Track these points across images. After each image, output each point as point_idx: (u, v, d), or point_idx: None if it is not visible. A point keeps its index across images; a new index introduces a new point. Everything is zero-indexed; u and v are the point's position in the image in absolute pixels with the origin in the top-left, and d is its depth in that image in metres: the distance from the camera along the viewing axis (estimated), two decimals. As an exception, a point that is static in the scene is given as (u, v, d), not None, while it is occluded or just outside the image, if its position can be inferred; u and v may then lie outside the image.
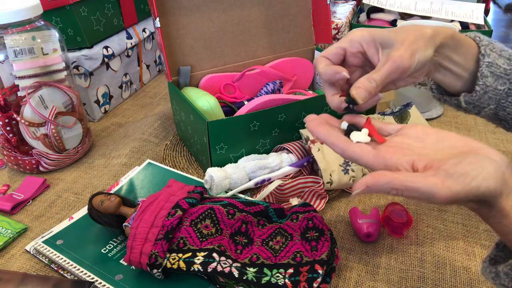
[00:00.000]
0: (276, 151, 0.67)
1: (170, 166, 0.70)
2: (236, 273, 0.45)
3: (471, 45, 0.44)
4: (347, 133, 0.40)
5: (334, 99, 0.43)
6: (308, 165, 0.65)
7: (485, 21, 1.03)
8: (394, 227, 0.56)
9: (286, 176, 0.62)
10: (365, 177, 0.34)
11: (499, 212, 0.34)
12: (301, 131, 0.65)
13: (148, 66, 1.06)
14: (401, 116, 0.69)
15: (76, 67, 0.81)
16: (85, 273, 0.49)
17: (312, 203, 0.60)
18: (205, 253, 0.47)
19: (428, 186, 0.32)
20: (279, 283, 0.44)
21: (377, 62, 0.42)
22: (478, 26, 1.02)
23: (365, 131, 0.40)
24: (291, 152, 0.64)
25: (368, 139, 0.39)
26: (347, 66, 0.44)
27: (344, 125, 0.41)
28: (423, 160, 0.35)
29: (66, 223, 0.58)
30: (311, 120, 0.41)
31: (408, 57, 0.40)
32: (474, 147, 0.35)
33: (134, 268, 0.50)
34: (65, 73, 0.69)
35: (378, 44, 0.42)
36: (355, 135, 0.39)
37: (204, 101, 0.68)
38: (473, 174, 0.32)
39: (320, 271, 0.45)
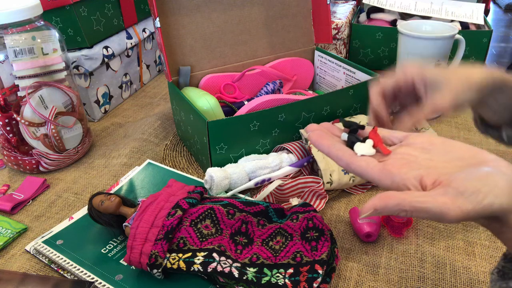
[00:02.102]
0: (276, 151, 0.67)
1: (170, 166, 0.70)
2: (236, 273, 0.45)
3: None
4: (349, 144, 0.38)
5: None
6: (308, 165, 0.65)
7: (485, 21, 1.03)
8: (394, 227, 0.56)
9: (286, 176, 0.62)
10: (373, 199, 0.33)
11: (510, 228, 0.33)
12: (301, 131, 0.65)
13: (148, 66, 1.06)
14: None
15: (76, 67, 0.81)
16: (85, 273, 0.49)
17: (312, 203, 0.60)
18: (205, 253, 0.47)
19: (438, 206, 0.31)
20: (279, 283, 0.44)
21: (423, 97, 0.45)
22: (478, 26, 1.02)
23: (369, 142, 0.38)
24: (291, 152, 0.65)
25: (373, 151, 0.37)
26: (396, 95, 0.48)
27: (344, 136, 0.39)
28: (431, 175, 0.34)
29: (66, 223, 0.58)
30: (312, 130, 0.40)
31: (449, 101, 0.43)
32: (482, 159, 0.34)
33: (134, 268, 0.50)
34: (65, 73, 0.69)
35: (427, 83, 0.45)
36: (359, 148, 0.37)
37: (204, 101, 0.68)
38: (484, 191, 0.31)
39: (320, 271, 0.45)
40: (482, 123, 0.51)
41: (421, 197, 0.32)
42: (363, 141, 0.38)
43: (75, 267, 0.50)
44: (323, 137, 0.39)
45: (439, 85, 0.44)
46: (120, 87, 0.95)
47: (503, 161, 0.33)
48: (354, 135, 0.39)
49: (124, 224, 0.52)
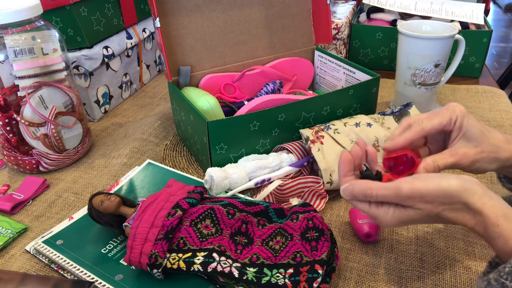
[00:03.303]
0: (276, 151, 0.67)
1: (170, 166, 0.70)
2: (236, 273, 0.45)
3: None
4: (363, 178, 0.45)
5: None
6: (308, 165, 0.65)
7: (485, 21, 1.03)
8: (397, 168, 0.50)
9: (286, 176, 0.62)
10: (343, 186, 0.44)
11: (478, 214, 0.39)
12: (301, 131, 0.65)
13: (148, 66, 1.06)
14: (401, 116, 0.69)
15: (76, 67, 0.81)
16: (85, 273, 0.49)
17: (312, 203, 0.60)
18: (205, 253, 0.47)
19: (394, 183, 0.40)
20: (279, 283, 0.44)
21: (451, 142, 0.47)
22: (478, 26, 1.02)
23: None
24: (291, 152, 0.64)
25: None
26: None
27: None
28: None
29: (66, 223, 0.58)
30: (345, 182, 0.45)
31: (470, 162, 0.45)
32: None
33: (134, 268, 0.50)
34: (65, 73, 0.69)
35: (463, 132, 0.46)
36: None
37: (204, 101, 0.68)
38: (436, 178, 0.40)
39: (320, 271, 0.45)
40: (506, 179, 0.53)
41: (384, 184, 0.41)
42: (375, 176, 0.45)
43: (75, 267, 0.50)
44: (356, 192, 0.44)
45: (471, 139, 0.45)
46: (120, 87, 0.95)
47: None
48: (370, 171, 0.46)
49: (124, 224, 0.52)
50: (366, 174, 0.46)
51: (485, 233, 0.39)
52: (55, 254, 0.52)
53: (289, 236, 0.49)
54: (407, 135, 0.46)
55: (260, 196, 0.58)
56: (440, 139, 0.49)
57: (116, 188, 0.64)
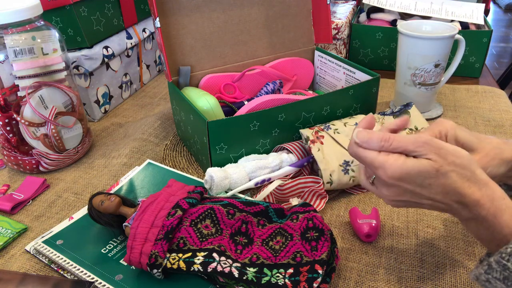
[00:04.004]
0: (276, 151, 0.67)
1: (170, 166, 0.70)
2: (236, 273, 0.45)
3: None
4: None
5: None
6: (308, 165, 0.65)
7: (485, 21, 1.03)
8: None
9: (286, 176, 0.62)
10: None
11: (484, 186, 0.39)
12: (301, 131, 0.65)
13: (148, 66, 1.06)
14: (401, 116, 0.69)
15: (76, 67, 0.81)
16: (85, 273, 0.49)
17: (312, 203, 0.60)
18: (205, 253, 0.47)
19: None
20: (279, 283, 0.44)
21: None
22: (478, 26, 1.02)
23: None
24: (291, 152, 0.65)
25: None
26: None
27: None
28: None
29: (66, 223, 0.58)
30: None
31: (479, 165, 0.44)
32: None
33: (134, 268, 0.50)
34: (65, 73, 0.69)
35: (461, 143, 0.46)
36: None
37: (204, 101, 0.68)
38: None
39: (320, 271, 0.45)
40: (505, 186, 0.53)
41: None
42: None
43: (75, 267, 0.50)
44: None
45: (472, 147, 0.45)
46: (120, 87, 0.95)
47: None
48: None
49: (124, 224, 0.52)
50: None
51: (491, 206, 0.38)
52: (55, 254, 0.52)
53: (289, 236, 0.49)
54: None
55: (260, 196, 0.58)
56: None
57: (116, 188, 0.64)
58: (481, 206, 0.39)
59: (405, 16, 1.06)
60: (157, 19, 0.67)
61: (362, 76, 0.74)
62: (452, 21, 1.01)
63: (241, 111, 0.69)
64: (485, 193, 0.39)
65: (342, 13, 1.11)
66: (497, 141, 0.46)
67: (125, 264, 0.51)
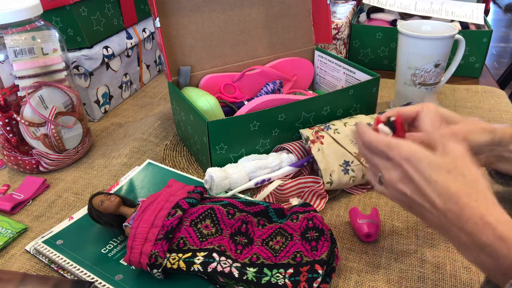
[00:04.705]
0: (276, 151, 0.67)
1: (170, 166, 0.70)
2: (236, 273, 0.45)
3: None
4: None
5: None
6: (308, 165, 0.65)
7: (485, 21, 1.03)
8: None
9: (286, 176, 0.62)
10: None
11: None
12: (301, 131, 0.65)
13: (148, 66, 1.06)
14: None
15: (76, 67, 0.81)
16: (85, 273, 0.49)
17: (312, 203, 0.60)
18: (205, 253, 0.47)
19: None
20: (279, 283, 0.44)
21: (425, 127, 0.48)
22: (478, 26, 1.02)
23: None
24: (291, 152, 0.65)
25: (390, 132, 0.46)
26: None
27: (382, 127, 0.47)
28: None
29: (66, 223, 0.58)
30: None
31: (462, 133, 0.47)
32: None
33: (134, 268, 0.50)
34: (65, 73, 0.69)
35: (444, 118, 0.48)
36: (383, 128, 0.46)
37: (204, 101, 0.68)
38: None
39: (320, 271, 0.45)
40: (498, 175, 0.55)
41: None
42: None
43: (75, 267, 0.50)
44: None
45: (452, 120, 0.48)
46: (120, 87, 0.95)
47: None
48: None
49: (124, 224, 0.52)
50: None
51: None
52: (55, 254, 0.52)
53: (289, 236, 0.49)
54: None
55: (260, 196, 0.58)
56: None
57: (116, 188, 0.64)
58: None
59: (405, 16, 1.06)
60: (157, 19, 0.67)
61: (362, 76, 0.74)
62: (452, 21, 1.01)
63: (241, 111, 0.69)
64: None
65: (342, 13, 1.11)
66: (479, 119, 0.50)
67: (125, 264, 0.51)
